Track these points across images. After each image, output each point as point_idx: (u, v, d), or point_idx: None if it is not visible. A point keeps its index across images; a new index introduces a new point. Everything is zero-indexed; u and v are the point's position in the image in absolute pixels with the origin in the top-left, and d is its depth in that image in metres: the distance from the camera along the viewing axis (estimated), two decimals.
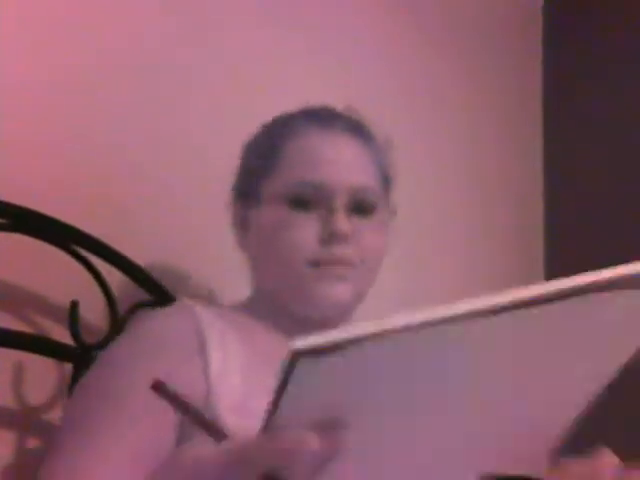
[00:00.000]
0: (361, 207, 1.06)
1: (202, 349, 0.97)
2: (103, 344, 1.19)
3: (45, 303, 1.22)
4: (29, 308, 1.21)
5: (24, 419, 1.18)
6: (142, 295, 1.25)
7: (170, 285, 1.28)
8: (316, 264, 1.02)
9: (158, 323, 1.01)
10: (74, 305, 1.19)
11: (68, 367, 1.19)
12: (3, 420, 1.17)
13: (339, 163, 1.06)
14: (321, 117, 1.10)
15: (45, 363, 1.19)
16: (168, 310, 1.05)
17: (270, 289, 1.09)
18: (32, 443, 1.18)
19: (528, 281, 2.01)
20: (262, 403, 0.92)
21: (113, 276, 1.22)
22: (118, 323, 1.21)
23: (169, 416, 0.92)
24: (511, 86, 2.10)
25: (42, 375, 1.20)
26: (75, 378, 1.17)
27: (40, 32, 1.29)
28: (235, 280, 1.31)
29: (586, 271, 0.60)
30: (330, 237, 1.02)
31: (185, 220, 1.40)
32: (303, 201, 1.04)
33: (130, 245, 1.25)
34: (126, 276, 1.24)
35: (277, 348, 1.00)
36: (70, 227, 1.18)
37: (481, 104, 2.01)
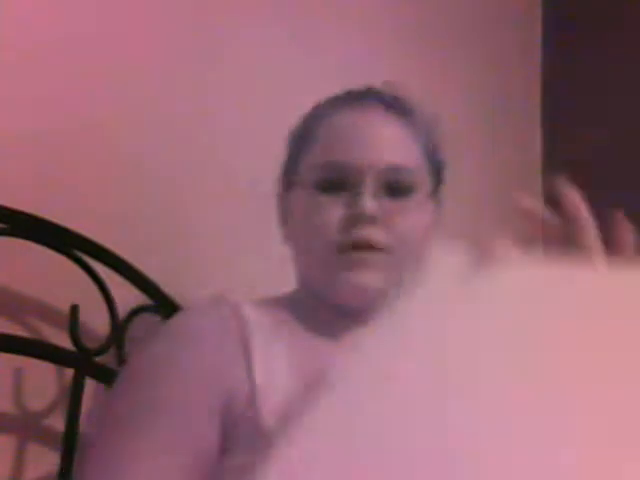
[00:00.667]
0: (395, 188, 0.97)
1: (245, 349, 0.89)
2: (104, 349, 1.19)
3: (45, 308, 1.21)
4: (29, 313, 1.20)
5: (24, 424, 1.18)
6: (143, 300, 1.25)
7: (171, 290, 1.28)
8: (342, 250, 0.94)
9: (194, 323, 0.93)
10: (74, 310, 1.18)
11: (68, 372, 1.19)
12: (3, 425, 1.16)
13: (369, 142, 0.98)
14: (356, 95, 1.03)
15: (45, 368, 1.18)
16: (205, 308, 0.96)
17: (305, 278, 1.02)
18: (32, 449, 1.17)
19: None
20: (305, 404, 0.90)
21: (113, 281, 1.22)
22: (119, 328, 1.21)
23: (207, 433, 0.86)
24: (511, 85, 2.10)
25: (42, 380, 1.19)
26: (75, 383, 1.16)
27: (40, 32, 1.28)
28: (237, 284, 1.31)
29: None
30: (355, 219, 0.94)
31: (186, 224, 1.39)
32: (330, 184, 0.97)
33: (130, 249, 1.25)
34: (127, 280, 1.23)
35: (320, 345, 0.95)
36: (70, 232, 1.18)
37: (481, 103, 2.00)
